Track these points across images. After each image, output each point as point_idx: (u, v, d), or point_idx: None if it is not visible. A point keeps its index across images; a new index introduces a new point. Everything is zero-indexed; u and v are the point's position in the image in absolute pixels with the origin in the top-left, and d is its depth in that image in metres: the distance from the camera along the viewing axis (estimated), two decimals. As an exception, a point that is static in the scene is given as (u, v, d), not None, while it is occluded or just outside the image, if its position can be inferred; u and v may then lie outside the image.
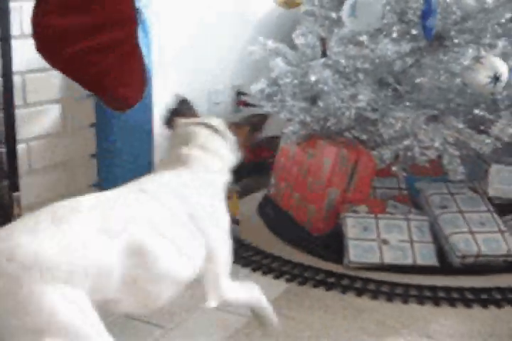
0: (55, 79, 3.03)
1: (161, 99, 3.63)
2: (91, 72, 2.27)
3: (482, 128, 3.18)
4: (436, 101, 3.14)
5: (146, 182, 1.96)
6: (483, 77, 3.00)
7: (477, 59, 3.01)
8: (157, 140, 3.51)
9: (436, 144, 3.08)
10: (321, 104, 3.27)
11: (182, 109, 2.29)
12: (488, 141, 3.07)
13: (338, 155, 3.22)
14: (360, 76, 3.25)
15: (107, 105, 2.50)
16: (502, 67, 3.02)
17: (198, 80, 4.10)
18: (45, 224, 1.55)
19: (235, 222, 2.87)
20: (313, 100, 3.34)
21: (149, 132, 3.37)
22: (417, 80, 3.10)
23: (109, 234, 1.63)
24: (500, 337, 2.53)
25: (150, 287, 1.74)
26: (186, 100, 2.34)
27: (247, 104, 4.23)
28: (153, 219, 1.78)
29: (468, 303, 2.78)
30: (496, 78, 3.00)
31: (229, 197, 2.79)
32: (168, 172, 2.03)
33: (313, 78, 3.32)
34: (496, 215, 3.17)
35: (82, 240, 1.57)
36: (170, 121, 2.28)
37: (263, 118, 2.34)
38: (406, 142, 3.08)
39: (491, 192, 3.28)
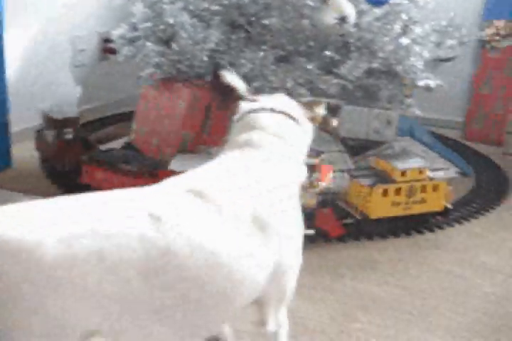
0: None
1: (13, 44, 3.57)
2: None
3: (333, 69, 3.25)
4: (286, 42, 3.18)
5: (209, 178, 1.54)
6: (329, 18, 3.05)
7: (324, 0, 3.06)
8: (11, 86, 3.45)
9: (287, 85, 3.13)
10: (175, 46, 3.26)
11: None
12: (335, 81, 3.15)
13: (191, 97, 3.23)
14: (214, 19, 3.26)
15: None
16: (348, 9, 3.08)
17: (58, 26, 4.03)
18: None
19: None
20: (168, 43, 3.33)
21: (1, 78, 3.29)
22: (266, 22, 3.13)
23: None
24: (338, 268, 2.64)
25: None
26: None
27: (112, 51, 4.18)
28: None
29: (311, 238, 2.86)
30: (343, 19, 3.06)
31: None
32: (233, 162, 1.63)
33: (169, 21, 3.31)
34: (345, 155, 3.26)
35: None
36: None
37: (337, 105, 2.00)
38: (256, 83, 3.12)
39: (343, 133, 3.36)
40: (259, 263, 1.45)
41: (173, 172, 2.87)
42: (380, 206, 2.95)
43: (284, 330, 1.67)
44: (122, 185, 2.82)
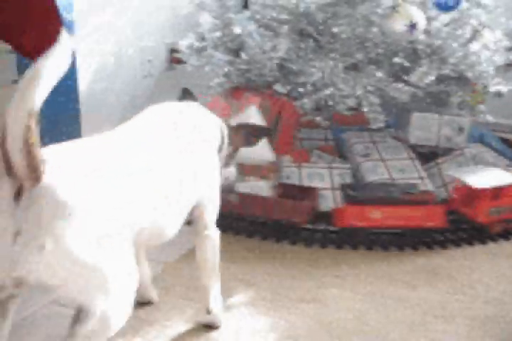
0: (-27, 35, 3.00)
1: (85, 55, 3.63)
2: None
3: (403, 76, 3.23)
4: (355, 50, 3.17)
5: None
6: (399, 25, 3.04)
7: (393, 7, 3.05)
8: (81, 97, 3.51)
9: (357, 93, 3.12)
10: (244, 56, 3.29)
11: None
12: (406, 88, 3.13)
13: (260, 106, 3.24)
14: (282, 27, 3.27)
15: (19, 52, 2.47)
16: (418, 16, 3.06)
17: (128, 37, 4.08)
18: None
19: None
20: (236, 52, 3.35)
21: (73, 89, 3.35)
22: (335, 30, 3.12)
23: None
24: (410, 276, 2.61)
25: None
26: (189, 91, 2.39)
27: (179, 61, 4.22)
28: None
29: (385, 246, 2.85)
30: (413, 26, 3.05)
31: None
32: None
33: (237, 31, 3.33)
34: (416, 162, 3.24)
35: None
36: None
37: (263, 131, 2.47)
38: (327, 91, 3.12)
39: (412, 140, 3.34)
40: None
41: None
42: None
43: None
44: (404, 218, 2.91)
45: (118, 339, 2.09)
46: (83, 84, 3.58)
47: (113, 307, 1.59)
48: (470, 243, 2.91)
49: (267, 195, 2.99)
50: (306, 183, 3.10)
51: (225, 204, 2.66)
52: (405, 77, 3.21)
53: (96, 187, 1.55)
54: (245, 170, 2.98)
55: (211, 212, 2.16)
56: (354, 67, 3.22)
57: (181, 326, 2.22)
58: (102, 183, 1.58)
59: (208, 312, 2.22)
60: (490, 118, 3.36)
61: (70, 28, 3.23)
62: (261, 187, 3.00)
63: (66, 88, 3.32)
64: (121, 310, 1.62)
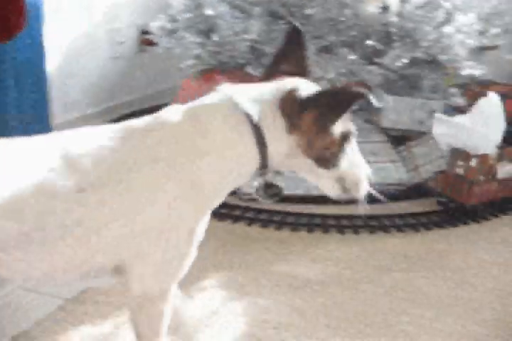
0: None
1: (53, 37, 3.57)
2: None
3: (375, 59, 3.21)
4: (328, 32, 3.15)
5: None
6: (372, 7, 3.02)
7: (366, -11, 3.03)
8: (51, 79, 3.45)
9: (329, 75, 3.10)
10: (215, 37, 3.25)
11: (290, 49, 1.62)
12: (378, 71, 3.11)
13: (232, 88, 3.21)
14: (254, 9, 3.24)
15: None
16: (391, -2, 3.05)
17: (99, 18, 4.03)
18: None
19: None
20: (208, 34, 3.32)
21: (42, 71, 3.28)
22: (308, 12, 3.09)
23: None
24: (384, 260, 2.61)
25: None
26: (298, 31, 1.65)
27: (151, 43, 4.17)
28: None
29: (356, 230, 2.84)
30: (385, 8, 3.03)
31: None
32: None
33: (208, 12, 3.29)
34: (388, 145, 3.23)
35: None
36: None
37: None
38: (298, 74, 3.09)
39: (385, 123, 3.32)
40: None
41: None
42: None
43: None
44: None
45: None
46: (52, 65, 3.52)
47: None
48: (441, 226, 2.91)
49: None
50: (277, 166, 3.08)
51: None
52: (378, 60, 3.20)
53: None
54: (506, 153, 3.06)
55: (149, 271, 1.54)
56: (326, 50, 3.20)
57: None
58: None
59: None
60: (461, 101, 3.35)
61: (39, 9, 3.16)
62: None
63: (34, 69, 3.25)
64: None
